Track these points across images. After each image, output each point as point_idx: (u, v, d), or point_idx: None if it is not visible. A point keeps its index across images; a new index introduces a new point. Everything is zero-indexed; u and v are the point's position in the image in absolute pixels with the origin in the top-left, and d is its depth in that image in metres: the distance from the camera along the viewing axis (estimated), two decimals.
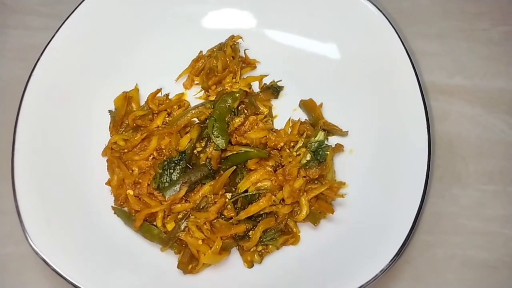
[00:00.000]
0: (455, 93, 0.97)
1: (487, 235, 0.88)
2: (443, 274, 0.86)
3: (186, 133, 0.88)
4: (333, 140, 0.90)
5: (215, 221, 0.82)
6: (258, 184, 0.84)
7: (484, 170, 0.92)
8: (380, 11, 0.92)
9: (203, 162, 0.86)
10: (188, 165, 0.86)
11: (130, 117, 0.90)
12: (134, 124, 0.90)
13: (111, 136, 0.91)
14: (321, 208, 0.84)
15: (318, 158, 0.86)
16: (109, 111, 0.92)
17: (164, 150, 0.88)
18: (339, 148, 0.89)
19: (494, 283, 0.85)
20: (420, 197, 0.81)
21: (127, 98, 0.92)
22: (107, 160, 0.89)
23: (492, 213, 0.89)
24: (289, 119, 0.92)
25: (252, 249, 0.83)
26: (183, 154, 0.86)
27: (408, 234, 0.79)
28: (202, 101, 0.93)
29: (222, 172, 0.85)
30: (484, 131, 0.95)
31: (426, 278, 0.86)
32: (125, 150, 0.89)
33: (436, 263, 0.87)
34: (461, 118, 0.96)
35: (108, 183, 0.87)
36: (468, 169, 0.92)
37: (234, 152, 0.86)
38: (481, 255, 0.87)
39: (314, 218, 0.84)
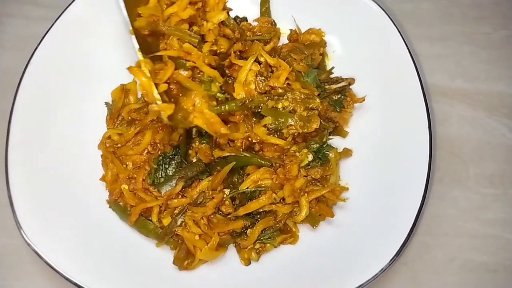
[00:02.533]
0: (457, 96, 0.97)
1: (487, 238, 0.87)
2: (441, 277, 0.85)
3: None
4: (337, 143, 0.89)
5: (212, 216, 0.81)
6: (259, 182, 0.82)
7: (484, 173, 0.92)
8: (385, 12, 0.92)
9: (196, 158, 0.84)
10: (184, 160, 0.85)
11: (125, 110, 0.88)
12: (130, 118, 0.88)
13: (107, 129, 0.89)
14: (321, 211, 0.83)
15: (320, 156, 0.85)
16: (106, 103, 0.91)
17: (159, 145, 0.86)
18: (347, 153, 0.88)
19: (494, 287, 0.85)
20: (420, 198, 0.80)
21: (125, 90, 0.91)
22: (101, 155, 0.87)
23: (492, 217, 0.89)
24: None
25: (249, 247, 0.81)
26: (178, 149, 0.85)
27: (408, 235, 0.78)
28: None
29: (219, 168, 0.83)
30: (485, 134, 0.94)
31: (424, 281, 0.85)
32: (119, 145, 0.87)
33: (434, 266, 0.86)
34: (462, 121, 0.95)
35: (103, 178, 0.86)
36: (469, 171, 0.92)
37: (233, 154, 0.84)
38: (481, 258, 0.86)
39: (313, 220, 0.83)
